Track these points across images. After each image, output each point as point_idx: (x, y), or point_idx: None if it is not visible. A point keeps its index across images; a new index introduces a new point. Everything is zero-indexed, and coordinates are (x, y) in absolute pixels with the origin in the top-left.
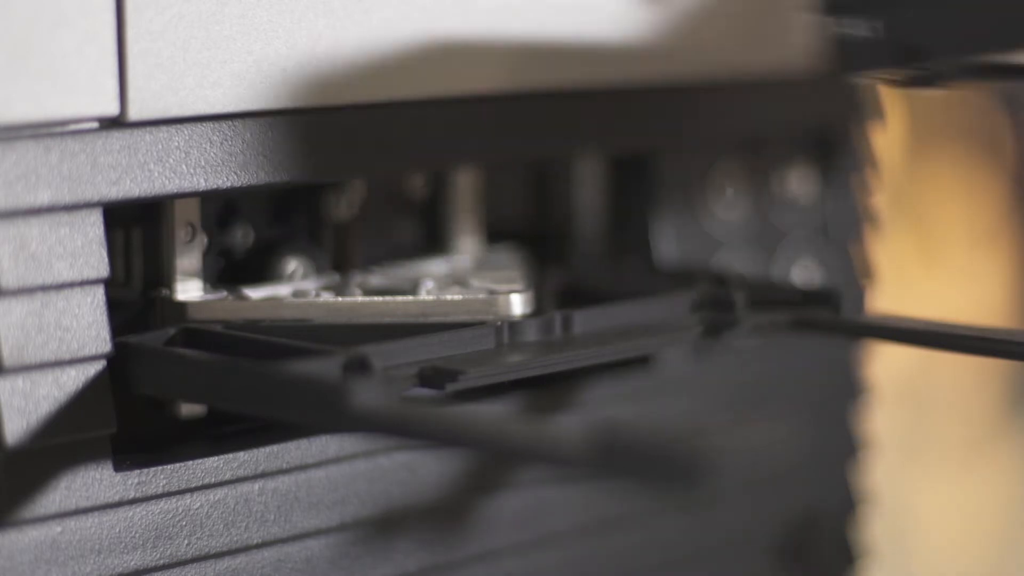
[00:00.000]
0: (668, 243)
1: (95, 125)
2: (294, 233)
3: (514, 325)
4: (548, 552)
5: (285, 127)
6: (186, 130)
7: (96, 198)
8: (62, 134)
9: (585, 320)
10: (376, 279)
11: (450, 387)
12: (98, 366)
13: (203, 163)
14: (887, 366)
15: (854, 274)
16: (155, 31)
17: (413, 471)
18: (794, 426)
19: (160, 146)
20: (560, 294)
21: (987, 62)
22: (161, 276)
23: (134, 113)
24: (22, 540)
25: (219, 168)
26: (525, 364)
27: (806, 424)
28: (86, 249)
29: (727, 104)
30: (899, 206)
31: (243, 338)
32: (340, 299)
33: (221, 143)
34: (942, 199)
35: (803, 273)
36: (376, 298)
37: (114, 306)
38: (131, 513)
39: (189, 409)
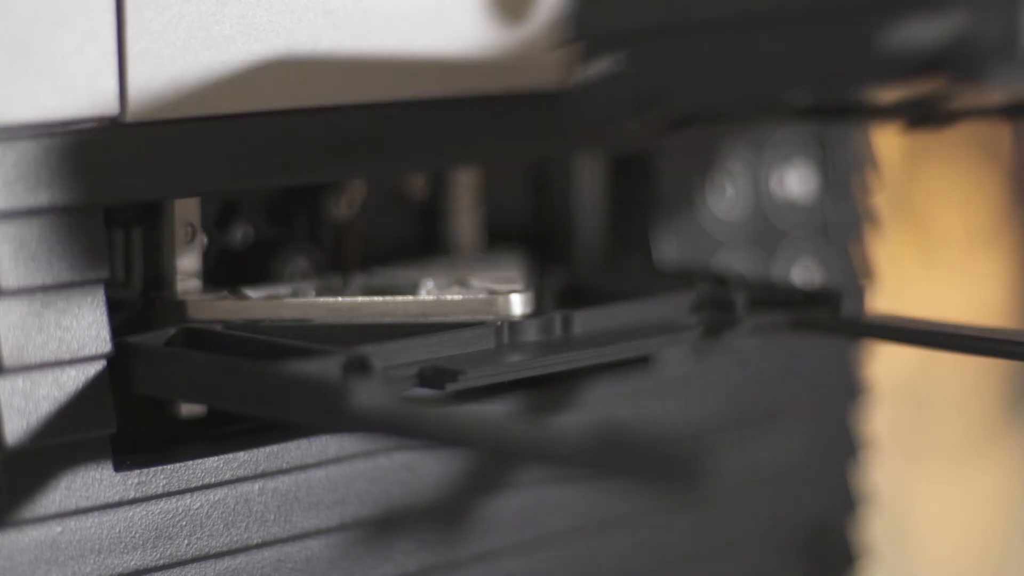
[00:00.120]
0: (668, 243)
1: (95, 125)
2: (294, 233)
3: (514, 325)
4: (548, 552)
5: (285, 127)
6: (186, 130)
7: (96, 198)
8: (62, 134)
9: (585, 320)
10: (376, 279)
11: (450, 387)
12: (98, 366)
13: (203, 163)
14: (887, 366)
15: (854, 274)
16: (155, 31)
17: (413, 471)
18: (794, 426)
19: (160, 146)
20: (560, 294)
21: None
22: (161, 276)
23: (134, 113)
24: (22, 540)
25: (219, 168)
26: (525, 364)
27: (806, 424)
28: (86, 249)
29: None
30: (899, 206)
31: (243, 338)
32: (340, 299)
33: (221, 143)
34: (941, 199)
35: (803, 273)
36: (376, 298)
37: (114, 306)
38: (131, 513)
39: (189, 409)
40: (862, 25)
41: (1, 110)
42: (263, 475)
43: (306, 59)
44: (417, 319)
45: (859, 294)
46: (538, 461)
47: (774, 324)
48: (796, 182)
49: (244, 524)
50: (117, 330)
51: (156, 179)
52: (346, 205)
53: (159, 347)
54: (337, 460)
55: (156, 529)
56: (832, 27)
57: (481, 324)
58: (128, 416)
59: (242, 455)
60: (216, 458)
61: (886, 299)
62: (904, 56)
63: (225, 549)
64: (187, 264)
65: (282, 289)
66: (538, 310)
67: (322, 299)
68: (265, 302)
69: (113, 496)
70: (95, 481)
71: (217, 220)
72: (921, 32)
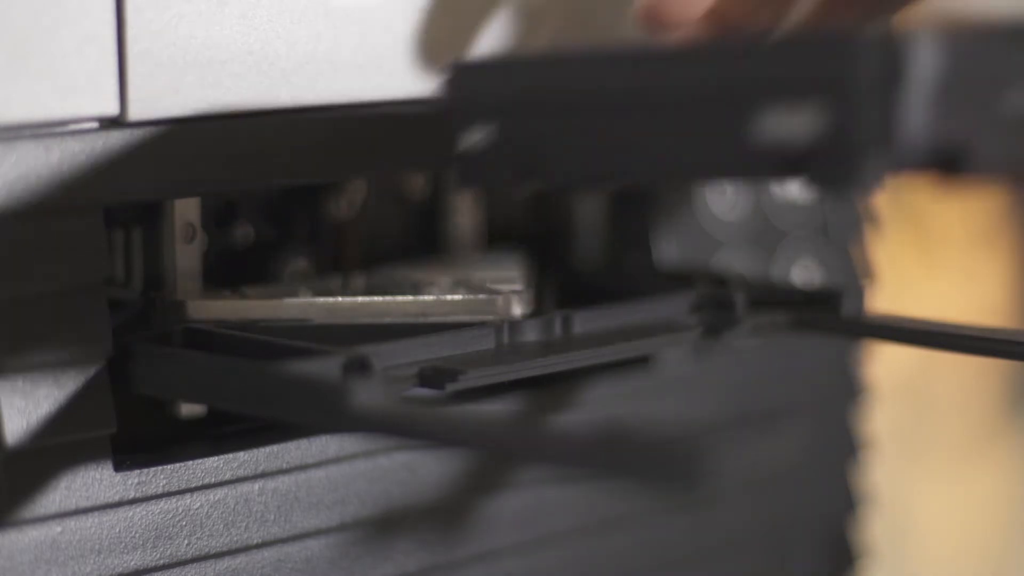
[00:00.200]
0: (668, 243)
1: (95, 125)
2: (294, 233)
3: (514, 325)
4: (548, 552)
5: (284, 127)
6: (186, 130)
7: (96, 198)
8: (62, 134)
9: (585, 320)
10: (376, 279)
11: (450, 387)
12: (98, 366)
13: (203, 163)
14: (887, 366)
15: (854, 274)
16: (155, 31)
17: (413, 471)
18: (794, 426)
19: (160, 146)
20: (560, 294)
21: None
22: (161, 276)
23: (134, 113)
24: (22, 540)
25: (219, 168)
26: (525, 364)
27: (806, 424)
28: (86, 249)
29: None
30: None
31: (243, 338)
32: (340, 299)
33: (221, 143)
34: (941, 200)
35: (803, 273)
36: (376, 298)
37: (114, 306)
38: (131, 513)
39: (189, 409)
40: (729, 117)
41: (1, 110)
42: (263, 475)
43: (306, 59)
44: (417, 319)
45: (859, 294)
46: (538, 461)
47: (774, 324)
48: (796, 182)
49: (244, 524)
50: (117, 330)
51: (156, 179)
52: (346, 205)
53: (159, 347)
54: (337, 460)
55: (156, 529)
56: (698, 117)
57: (481, 324)
58: (128, 416)
59: (242, 455)
60: (216, 458)
61: (886, 299)
62: (770, 153)
63: (225, 549)
64: (187, 264)
65: (282, 289)
66: (538, 310)
67: (322, 299)
68: (265, 302)
69: (113, 496)
70: (95, 481)
71: (217, 220)
72: (788, 127)
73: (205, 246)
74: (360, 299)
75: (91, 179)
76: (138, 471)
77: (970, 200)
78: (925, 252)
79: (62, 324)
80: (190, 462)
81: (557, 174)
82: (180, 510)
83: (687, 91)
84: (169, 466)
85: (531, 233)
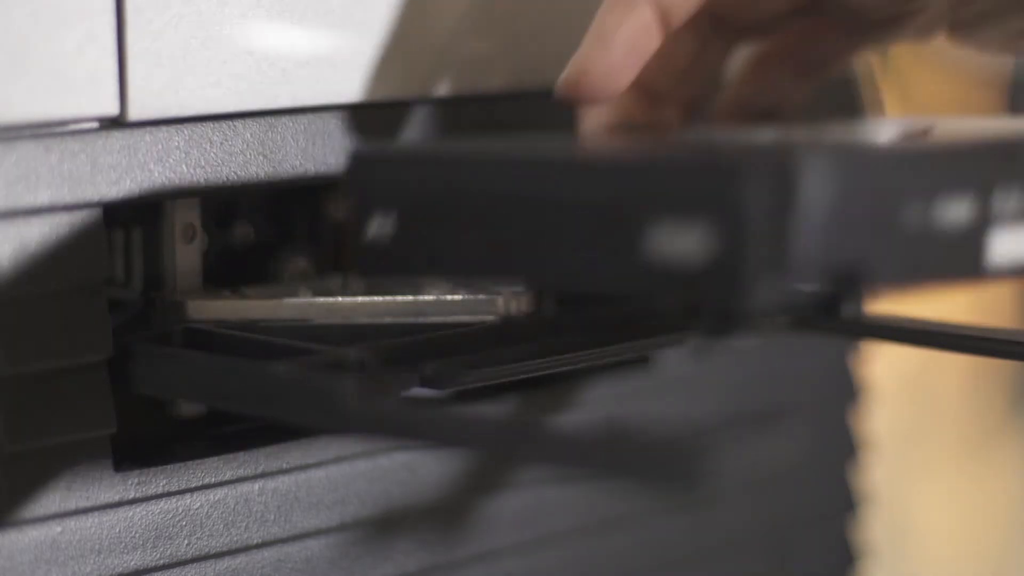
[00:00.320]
0: None
1: (95, 125)
2: (294, 233)
3: (514, 325)
4: (548, 552)
5: (285, 127)
6: (186, 130)
7: (96, 198)
8: (62, 134)
9: (584, 320)
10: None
11: (450, 387)
12: (98, 366)
13: (203, 163)
14: (887, 366)
15: None
16: (155, 31)
17: (413, 471)
18: (794, 426)
19: (160, 146)
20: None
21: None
22: (161, 276)
23: (134, 113)
24: (22, 540)
25: (219, 168)
26: (525, 364)
27: (806, 424)
28: (86, 249)
29: None
30: None
31: (243, 338)
32: (340, 299)
33: (221, 143)
34: None
35: None
36: (376, 298)
37: (114, 306)
38: (131, 513)
39: (189, 409)
40: (621, 232)
41: (1, 110)
42: (263, 475)
43: (306, 59)
44: (417, 319)
45: (859, 294)
46: (538, 461)
47: (774, 324)
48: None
49: (244, 524)
50: (117, 330)
51: (156, 179)
52: (346, 205)
53: (159, 347)
54: (337, 460)
55: (156, 529)
56: (591, 229)
57: (481, 324)
58: (128, 416)
59: (242, 455)
60: (216, 458)
61: (886, 299)
62: (660, 272)
63: (225, 549)
64: (187, 264)
65: (281, 289)
66: (538, 310)
67: (321, 299)
68: (265, 302)
69: (113, 496)
70: (95, 481)
71: (217, 220)
72: (678, 247)
73: (205, 246)
74: (360, 299)
75: (91, 179)
76: (138, 471)
77: None
78: None
79: (62, 324)
80: (190, 462)
81: (456, 270)
82: (180, 510)
83: (582, 201)
84: (169, 466)
85: None
